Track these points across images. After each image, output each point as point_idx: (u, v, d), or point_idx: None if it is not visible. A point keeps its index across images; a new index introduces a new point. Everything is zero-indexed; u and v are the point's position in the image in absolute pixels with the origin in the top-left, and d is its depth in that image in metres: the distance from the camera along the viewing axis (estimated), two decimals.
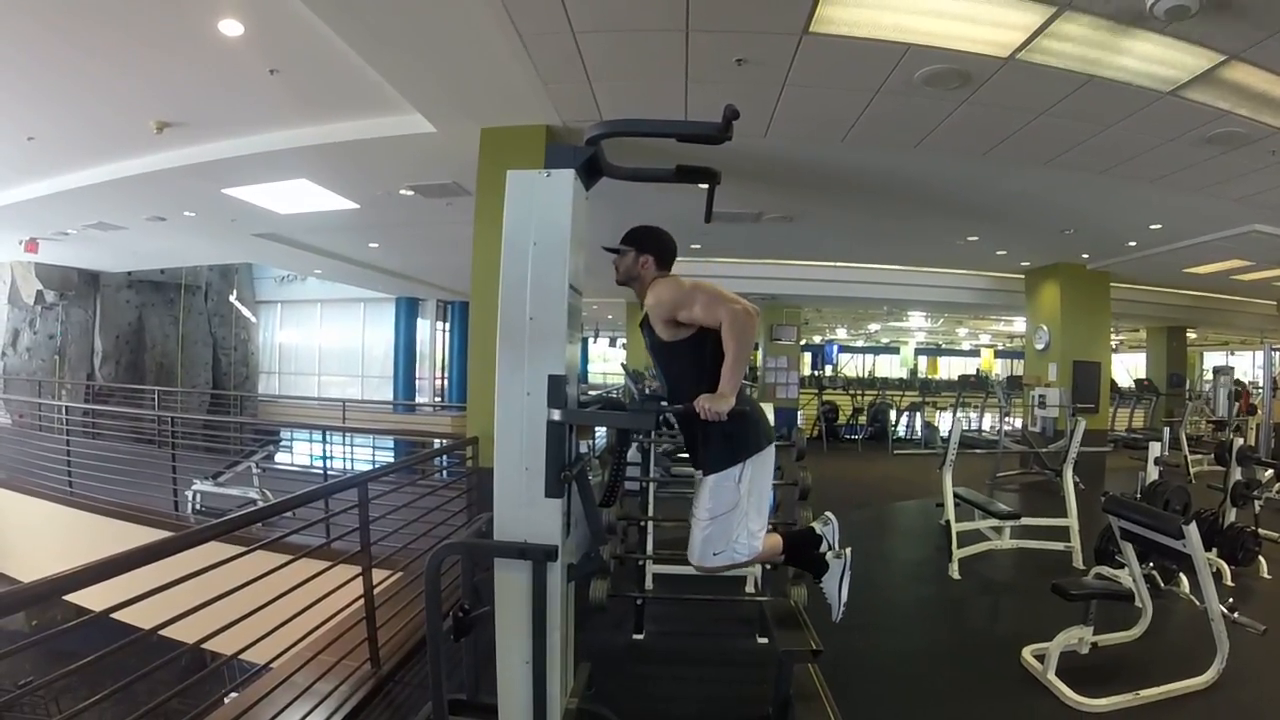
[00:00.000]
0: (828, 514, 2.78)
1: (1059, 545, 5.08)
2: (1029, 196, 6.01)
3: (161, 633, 2.19)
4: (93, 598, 2.04)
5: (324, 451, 7.43)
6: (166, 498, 6.49)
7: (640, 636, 3.76)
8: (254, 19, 3.69)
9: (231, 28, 3.74)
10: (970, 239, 8.01)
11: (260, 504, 5.74)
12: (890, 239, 8.46)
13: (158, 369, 13.22)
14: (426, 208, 6.97)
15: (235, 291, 14.63)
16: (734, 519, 2.38)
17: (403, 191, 6.55)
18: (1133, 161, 4.75)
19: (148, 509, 6.18)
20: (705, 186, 2.64)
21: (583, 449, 3.04)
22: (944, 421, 13.85)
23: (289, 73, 4.31)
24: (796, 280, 10.71)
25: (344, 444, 9.26)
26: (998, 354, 25.25)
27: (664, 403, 2.54)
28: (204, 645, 2.46)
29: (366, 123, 5.12)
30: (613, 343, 20.66)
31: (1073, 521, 5.11)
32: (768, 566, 4.09)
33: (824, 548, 2.68)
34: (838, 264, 10.36)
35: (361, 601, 3.18)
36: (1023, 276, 9.99)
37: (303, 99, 4.77)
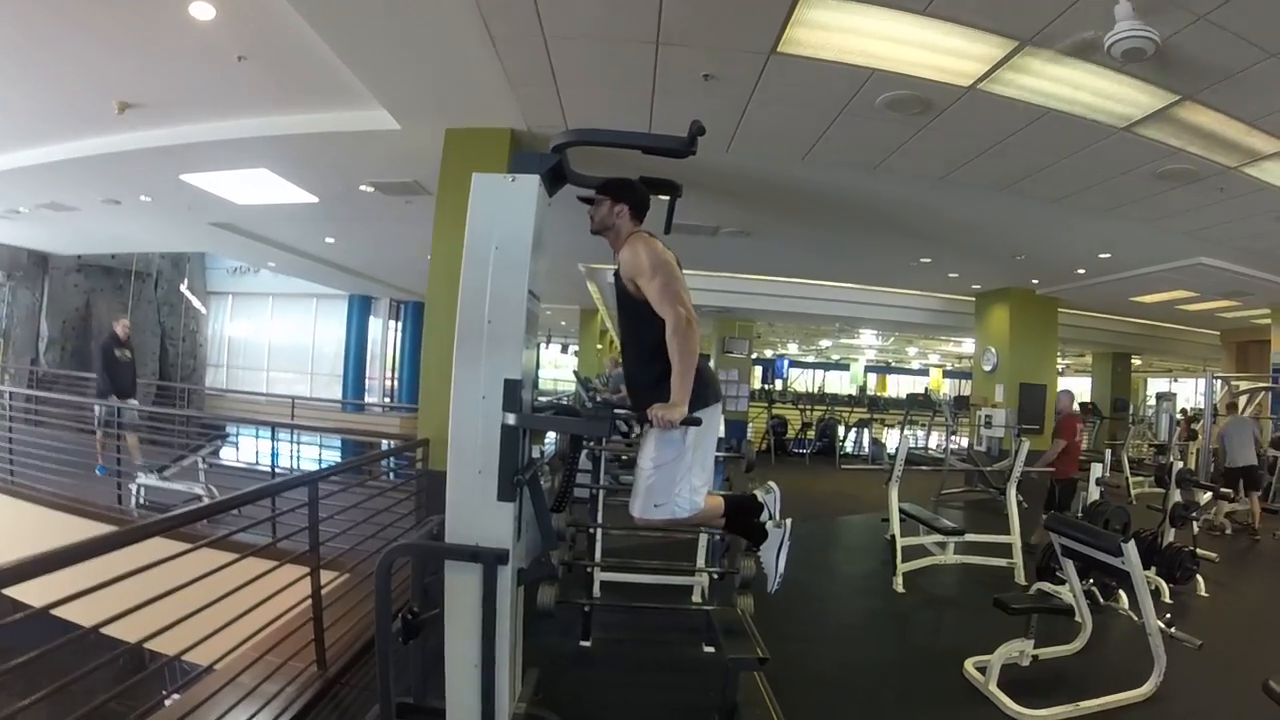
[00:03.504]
0: (770, 483, 2.80)
1: (1002, 561, 5.24)
2: (983, 222, 6.22)
3: (103, 631, 2.13)
4: (32, 593, 1.96)
5: (272, 449, 7.24)
6: (110, 491, 6.25)
7: (588, 643, 3.76)
8: (226, 4, 3.64)
9: (203, 11, 3.68)
10: (924, 260, 8.22)
11: (206, 500, 5.58)
12: (845, 257, 8.62)
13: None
14: (386, 205, 6.92)
15: (186, 281, 14.22)
16: (678, 471, 2.39)
17: (363, 188, 6.49)
18: (1086, 192, 4.96)
19: (91, 501, 5.95)
20: (666, 198, 2.68)
21: (535, 454, 3.06)
22: (891, 438, 14.14)
23: (257, 60, 4.25)
24: (751, 294, 10.84)
25: (292, 442, 9.04)
26: (946, 374, 25.87)
27: (614, 405, 2.55)
28: (147, 645, 2.38)
29: (331, 116, 5.08)
30: (565, 349, 20.60)
31: (1015, 538, 5.27)
32: (714, 575, 4.13)
33: (765, 516, 2.70)
34: (792, 280, 10.52)
35: (309, 602, 3.13)
36: (973, 299, 10.26)
37: (269, 88, 4.70)
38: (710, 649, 3.64)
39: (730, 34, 3.30)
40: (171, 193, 6.98)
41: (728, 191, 5.93)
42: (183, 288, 14.06)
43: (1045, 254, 7.37)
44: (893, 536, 5.17)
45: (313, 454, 8.64)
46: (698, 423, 2.27)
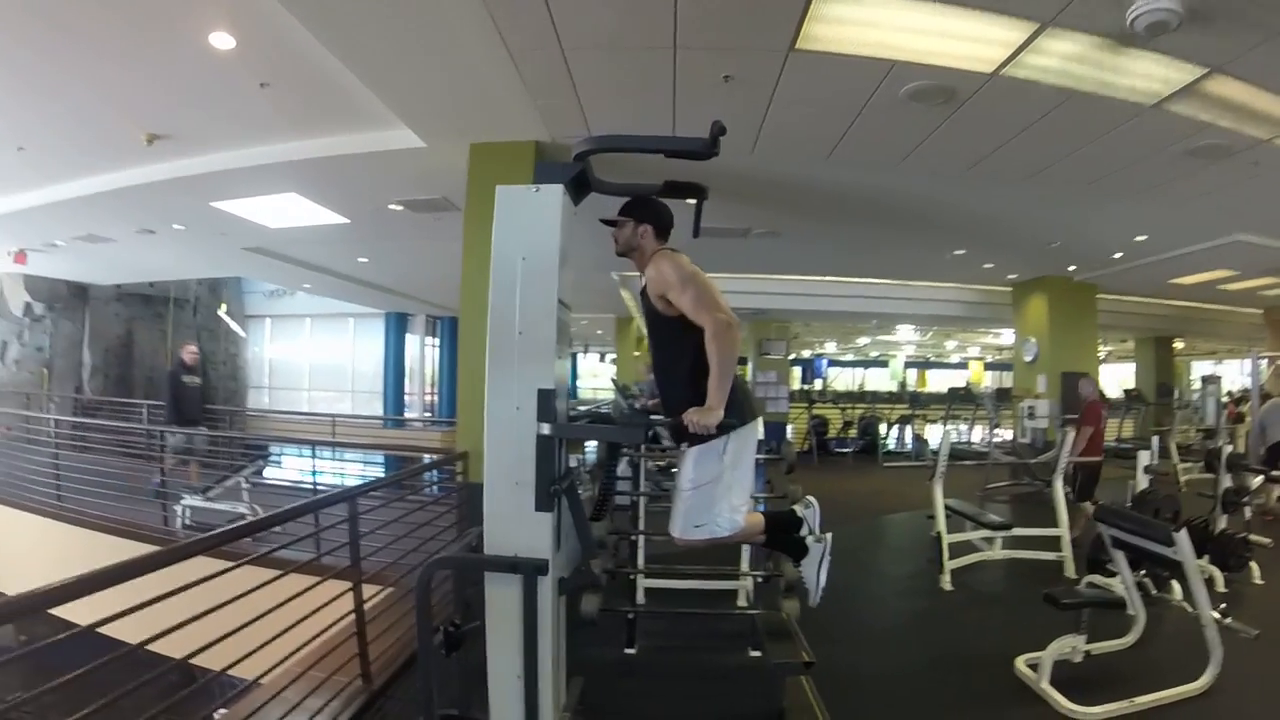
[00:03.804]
0: (809, 497, 2.78)
1: (1051, 555, 5.10)
2: (1015, 211, 6.09)
3: (152, 649, 2.18)
4: (81, 613, 2.02)
5: (313, 466, 7.37)
6: (156, 513, 6.42)
7: (632, 651, 3.73)
8: (245, 33, 3.72)
9: (223, 41, 3.76)
10: (957, 253, 8.08)
11: (250, 519, 5.68)
12: (877, 253, 8.52)
13: (146, 383, 13.09)
14: (416, 223, 6.99)
15: (224, 305, 14.54)
16: (716, 491, 2.38)
17: (392, 206, 6.57)
18: (1117, 175, 4.83)
19: (137, 524, 6.11)
20: (693, 202, 2.66)
21: (572, 463, 3.06)
22: (934, 434, 13.91)
23: (279, 87, 4.33)
24: (785, 295, 10.75)
25: (333, 459, 9.21)
26: (987, 366, 25.34)
27: (651, 412, 2.54)
28: (195, 661, 2.44)
29: (356, 137, 5.14)
30: (603, 358, 20.68)
31: (1063, 531, 5.13)
32: (759, 579, 4.10)
33: (804, 531, 2.68)
34: (826, 278, 10.41)
35: (352, 617, 3.16)
36: (1010, 289, 10.07)
37: (293, 113, 4.78)
38: (756, 654, 3.60)
39: (747, 34, 3.28)
40: (204, 220, 7.14)
41: (755, 193, 5.89)
42: (220, 312, 14.37)
43: (1080, 240, 7.19)
44: (938, 534, 5.07)
45: (355, 471, 8.77)
46: (734, 427, 2.25)
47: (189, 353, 8.01)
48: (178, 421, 7.47)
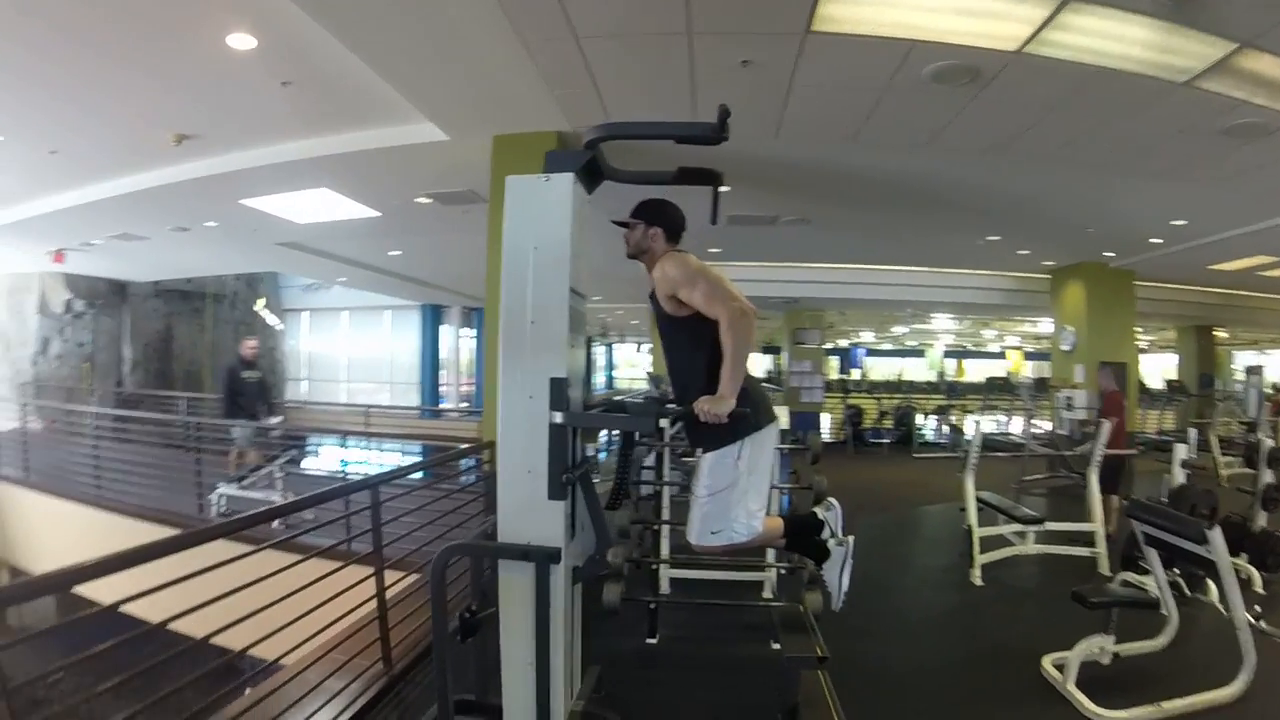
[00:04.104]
0: (830, 499, 2.75)
1: (1085, 550, 4.97)
2: (1047, 194, 5.92)
3: (180, 629, 2.28)
4: (116, 596, 2.12)
5: (344, 456, 7.51)
6: (193, 501, 6.61)
7: (654, 641, 3.74)
8: (264, 33, 3.77)
9: (242, 41, 3.83)
10: (991, 239, 7.90)
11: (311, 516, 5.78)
12: (910, 240, 8.37)
13: (185, 376, 13.48)
14: (445, 215, 7.05)
15: (262, 300, 14.86)
16: (732, 497, 2.37)
17: (420, 199, 6.63)
18: (1150, 156, 4.66)
19: (174, 512, 6.31)
20: (706, 189, 2.63)
21: (589, 452, 3.06)
22: (970, 424, 13.66)
23: (301, 85, 4.39)
24: (818, 283, 10.67)
25: (367, 449, 9.39)
26: (1027, 356, 24.78)
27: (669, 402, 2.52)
28: (221, 642, 2.51)
29: (381, 132, 5.20)
30: (639, 348, 20.71)
31: (1097, 526, 5.00)
32: (783, 570, 4.08)
33: (826, 534, 2.64)
34: (859, 266, 10.31)
35: (374, 602, 3.21)
36: (1047, 277, 9.84)
37: (316, 110, 4.85)
38: (778, 646, 3.57)
39: (760, 17, 3.23)
40: (235, 217, 7.30)
41: (782, 179, 5.84)
42: (258, 307, 14.68)
43: (1116, 225, 6.97)
44: (969, 527, 4.97)
45: (391, 460, 8.90)
46: (745, 415, 2.22)
47: (248, 347, 7.95)
48: (234, 415, 7.46)
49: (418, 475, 4.90)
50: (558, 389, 2.30)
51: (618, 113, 4.33)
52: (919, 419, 13.50)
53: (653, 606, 3.80)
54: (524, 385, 2.34)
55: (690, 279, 2.28)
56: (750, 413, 2.36)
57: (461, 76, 4.16)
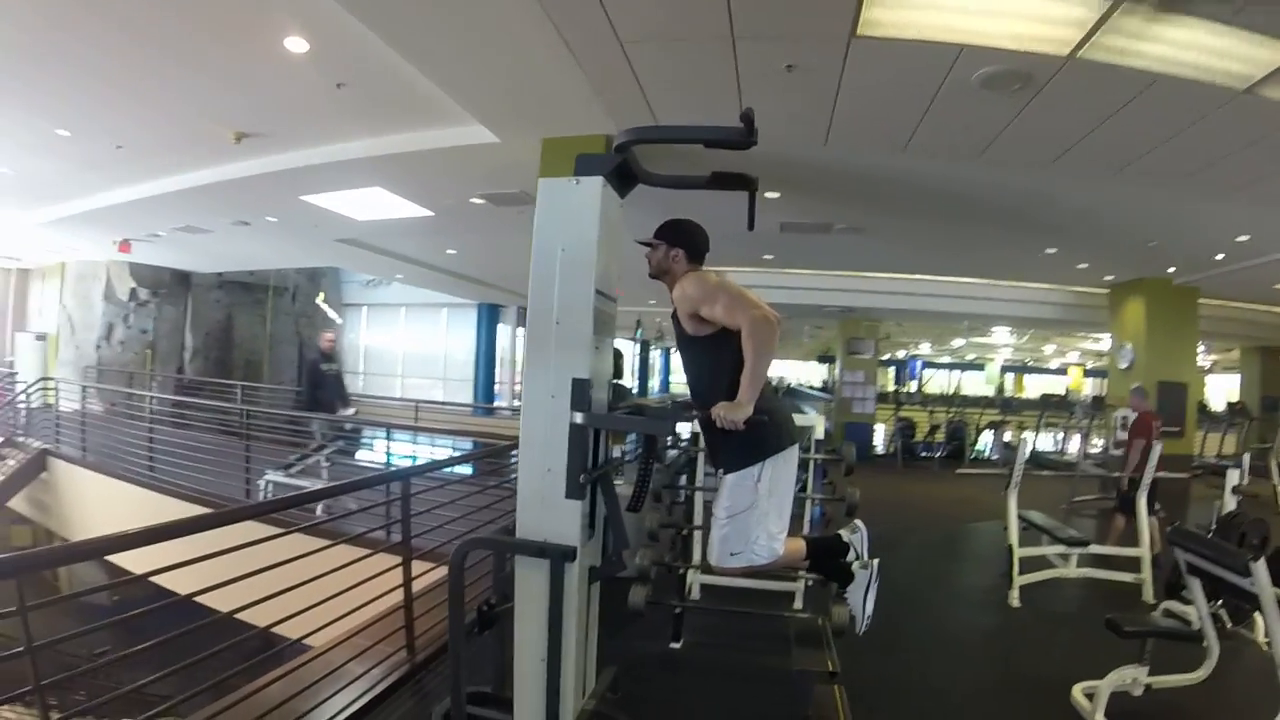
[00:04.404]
0: (856, 521, 2.71)
1: (1129, 576, 4.76)
2: (1107, 207, 5.69)
3: (213, 604, 2.42)
4: (169, 580, 2.31)
5: (387, 448, 7.70)
6: (241, 486, 6.88)
7: (677, 645, 3.73)
8: (318, 36, 3.90)
9: (297, 44, 3.96)
10: (1049, 251, 7.64)
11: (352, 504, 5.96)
12: (965, 250, 8.18)
13: (245, 365, 13.99)
14: (500, 216, 7.13)
15: (322, 294, 15.31)
16: (752, 519, 2.35)
17: (474, 200, 6.73)
18: (1211, 168, 4.42)
19: (222, 496, 6.56)
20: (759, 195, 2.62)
21: (616, 454, 3.08)
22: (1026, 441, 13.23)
23: (355, 86, 4.52)
24: (873, 293, 10.53)
25: (414, 443, 9.59)
26: (1087, 373, 23.88)
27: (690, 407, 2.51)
28: (250, 618, 2.63)
29: (433, 133, 5.30)
30: None
31: (1144, 551, 4.78)
32: (811, 581, 4.01)
33: (851, 556, 2.60)
34: (914, 276, 10.13)
35: (401, 592, 3.29)
36: (1106, 291, 9.48)
37: (370, 111, 4.99)
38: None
39: (804, 20, 3.19)
40: (295, 213, 7.54)
41: (834, 187, 5.77)
42: (318, 300, 15.13)
43: (1179, 240, 6.66)
44: (1010, 546, 4.81)
45: (440, 454, 9.08)
46: (764, 423, 2.20)
47: (326, 340, 8.09)
48: (313, 407, 7.58)
49: (453, 469, 4.98)
50: (579, 389, 2.32)
51: (664, 117, 4.32)
52: (975, 434, 13.11)
53: (677, 611, 3.80)
54: (546, 384, 2.37)
55: (710, 295, 2.28)
56: (772, 433, 2.35)
57: (509, 79, 4.22)
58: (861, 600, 2.56)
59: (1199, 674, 3.11)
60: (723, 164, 2.58)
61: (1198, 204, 5.35)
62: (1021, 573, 4.72)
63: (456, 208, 7.06)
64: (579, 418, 2.30)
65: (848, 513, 3.90)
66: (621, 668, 3.23)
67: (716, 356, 2.29)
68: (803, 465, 5.84)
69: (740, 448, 2.35)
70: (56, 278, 12.42)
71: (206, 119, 5.19)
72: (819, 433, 4.37)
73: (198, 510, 6.40)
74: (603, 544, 2.59)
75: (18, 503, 8.61)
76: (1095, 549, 4.89)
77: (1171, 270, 8.16)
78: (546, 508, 2.35)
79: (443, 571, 3.95)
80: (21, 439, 9.18)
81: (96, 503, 7.63)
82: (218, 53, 4.17)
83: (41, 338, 12.07)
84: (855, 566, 2.59)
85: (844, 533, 2.66)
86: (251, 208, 7.50)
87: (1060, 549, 4.92)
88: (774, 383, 19.25)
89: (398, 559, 3.32)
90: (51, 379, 10.08)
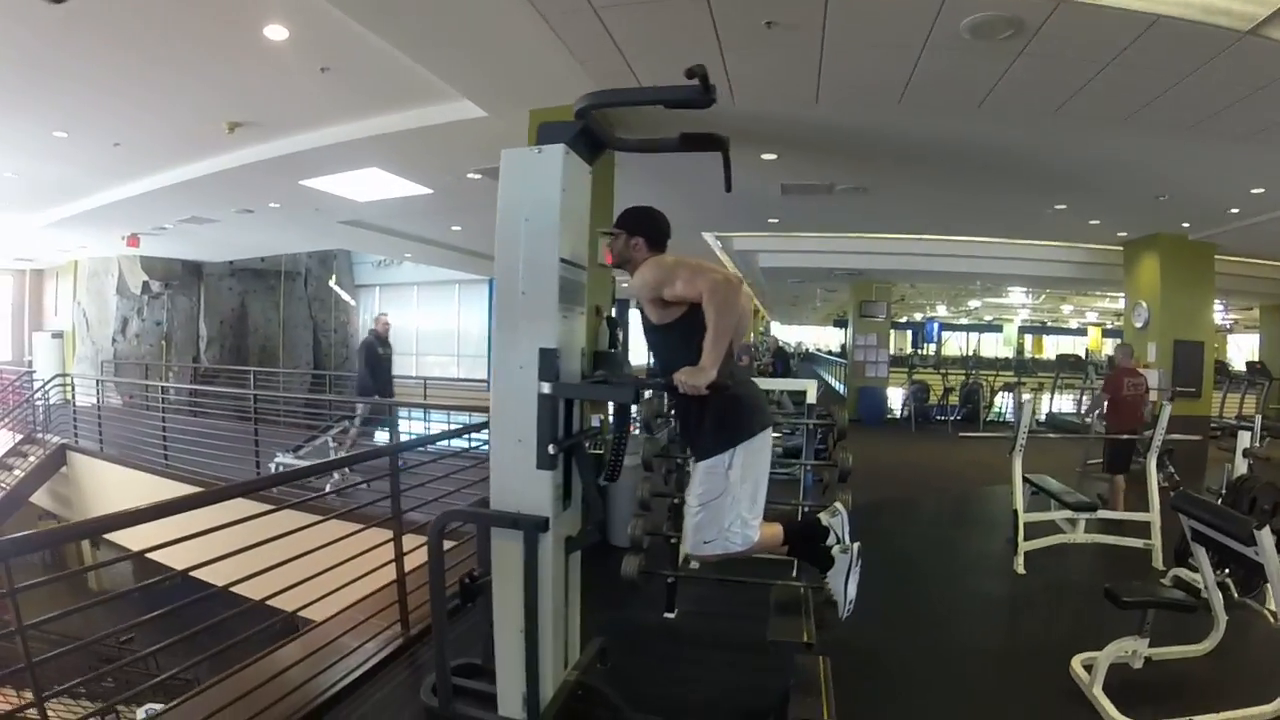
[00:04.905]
0: (837, 504, 2.67)
1: (1138, 542, 4.66)
2: (1114, 159, 5.50)
3: (208, 578, 2.53)
4: (170, 559, 2.43)
5: (393, 426, 7.78)
6: (252, 470, 6.99)
7: (671, 615, 3.74)
8: (297, 22, 3.89)
9: (277, 32, 3.96)
10: (1059, 207, 7.42)
11: (336, 476, 6.06)
12: (974, 209, 7.99)
13: (260, 351, 14.19)
14: (497, 190, 7.10)
15: (334, 277, 15.40)
16: (724, 505, 2.32)
17: (471, 175, 6.70)
18: (1218, 116, 4.22)
19: (232, 480, 6.67)
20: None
21: (596, 423, 3.06)
22: (1043, 403, 13.03)
23: (339, 70, 4.50)
24: (884, 255, 10.41)
25: (424, 420, 9.66)
26: (1105, 333, 23.44)
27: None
28: (245, 592, 2.69)
29: (422, 111, 5.27)
30: None
31: (1154, 517, 4.67)
32: None
33: (831, 540, 2.56)
34: (924, 237, 9.97)
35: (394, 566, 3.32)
36: (1121, 249, 9.23)
37: (357, 93, 4.97)
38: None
39: None
40: (296, 198, 7.57)
41: (832, 147, 5.65)
42: (331, 283, 15.22)
43: (1190, 192, 6.42)
44: (1015, 511, 4.74)
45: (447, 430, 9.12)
46: (727, 389, 2.16)
47: (383, 324, 7.96)
48: (373, 391, 7.51)
49: (448, 443, 5.00)
50: (546, 359, 2.30)
51: (648, 81, 4.18)
52: (990, 396, 12.95)
53: (671, 581, 3.80)
54: (515, 355, 2.35)
55: (669, 273, 2.24)
56: (744, 418, 2.32)
57: (489, 54, 4.16)
58: (843, 585, 2.51)
59: (1204, 645, 3.03)
60: (699, 125, 2.52)
61: (1206, 155, 5.14)
62: (1028, 538, 4.64)
63: (455, 184, 7.04)
64: (546, 388, 2.28)
65: (840, 479, 3.87)
66: (615, 639, 3.25)
67: (685, 341, 2.22)
68: (795, 432, 5.85)
69: (711, 434, 2.32)
70: (70, 276, 12.68)
71: (198, 111, 5.22)
72: (811, 397, 4.30)
73: (231, 498, 6.57)
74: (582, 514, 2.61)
75: (40, 497, 8.89)
76: (1103, 514, 4.80)
77: (1186, 225, 7.91)
78: (518, 479, 2.35)
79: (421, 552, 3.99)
80: (41, 435, 9.43)
81: (115, 492, 7.84)
82: (202, 46, 4.18)
83: (58, 336, 12.33)
84: (835, 551, 2.54)
85: (824, 516, 2.61)
86: (253, 195, 7.54)
87: (1067, 514, 4.85)
88: (789, 350, 19.19)
89: (390, 534, 3.34)
90: (66, 375, 10.29)
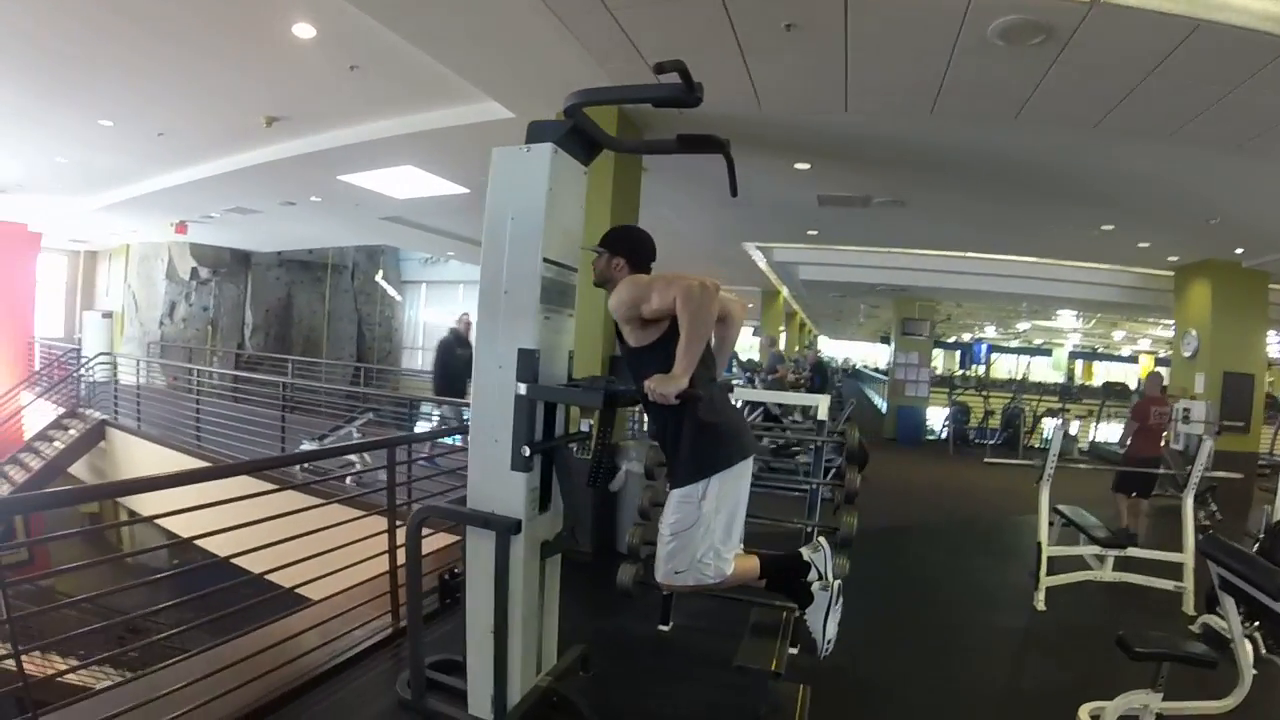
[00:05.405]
0: (820, 539, 2.56)
1: (1169, 584, 4.36)
2: (1159, 177, 5.24)
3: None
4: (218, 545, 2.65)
5: (411, 418, 7.89)
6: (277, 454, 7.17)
7: (665, 628, 3.65)
8: (324, 22, 3.98)
9: (304, 30, 4.05)
10: (1105, 228, 7.10)
11: (357, 465, 6.16)
12: (1018, 227, 7.74)
13: (304, 341, 14.57)
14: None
15: (381, 271, 15.73)
16: (695, 536, 2.24)
17: None
18: (1271, 132, 3.97)
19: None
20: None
21: (584, 427, 3.01)
22: (1088, 430, 12.52)
23: (368, 68, 4.59)
24: (925, 271, 10.17)
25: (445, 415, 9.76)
26: (1158, 361, 22.46)
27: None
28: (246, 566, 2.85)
29: (451, 111, 5.32)
30: (755, 332, 20.35)
31: (1187, 558, 4.36)
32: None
33: (812, 576, 2.44)
34: (967, 254, 9.68)
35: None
36: (1171, 274, 8.84)
37: (386, 91, 5.05)
38: (794, 650, 3.29)
39: None
40: (336, 192, 7.76)
41: (866, 156, 5.53)
42: (377, 278, 15.54)
43: (1243, 216, 6.08)
44: (1038, 544, 4.50)
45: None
46: (698, 398, 2.09)
47: (464, 322, 7.57)
48: (444, 391, 7.43)
49: (456, 439, 5.02)
50: (525, 360, 2.28)
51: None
52: (1032, 421, 12.50)
53: (666, 593, 3.71)
54: (494, 354, 2.34)
55: (644, 289, 2.19)
56: (721, 447, 2.25)
57: (511, 55, 4.18)
58: (821, 624, 2.40)
59: (1226, 703, 2.78)
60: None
61: (1261, 176, 4.84)
62: (1052, 573, 4.39)
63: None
64: (522, 389, 2.26)
65: (846, 500, 3.72)
66: (605, 647, 3.21)
67: (665, 362, 2.13)
68: (805, 450, 5.63)
69: (686, 461, 2.26)
70: (122, 259, 13.18)
71: (236, 105, 5.39)
72: (821, 413, 4.17)
73: (237, 477, 6.80)
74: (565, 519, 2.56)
75: (78, 469, 9.25)
76: (1133, 552, 4.51)
77: (1239, 252, 7.49)
78: (494, 479, 2.34)
79: (442, 539, 4.01)
80: (83, 410, 9.83)
81: (147, 468, 8.12)
82: (234, 42, 4.31)
83: (108, 315, 12.82)
84: (815, 587, 2.42)
85: (805, 551, 2.49)
86: (292, 188, 7.75)
87: (1096, 550, 4.59)
88: (829, 364, 18.80)
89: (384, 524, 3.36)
90: (109, 354, 10.75)
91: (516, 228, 2.32)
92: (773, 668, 2.54)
